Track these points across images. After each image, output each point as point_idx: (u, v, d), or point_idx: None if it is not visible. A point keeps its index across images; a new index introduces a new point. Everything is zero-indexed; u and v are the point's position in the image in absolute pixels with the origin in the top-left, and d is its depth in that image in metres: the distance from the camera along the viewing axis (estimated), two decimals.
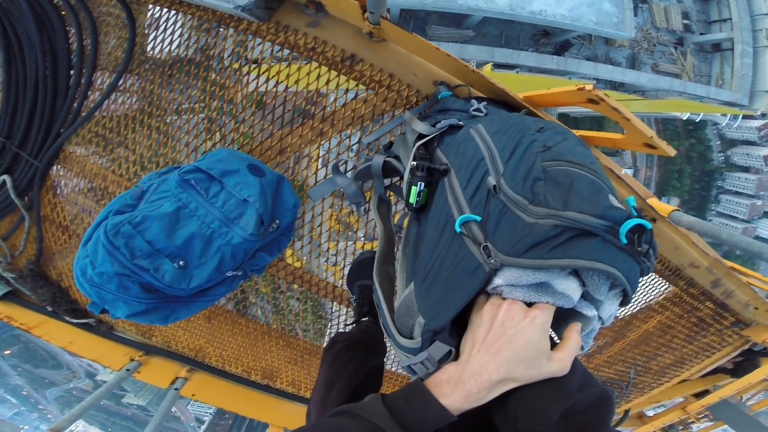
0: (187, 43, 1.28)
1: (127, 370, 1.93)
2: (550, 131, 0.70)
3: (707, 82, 13.31)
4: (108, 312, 1.01)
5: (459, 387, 0.57)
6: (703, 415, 2.98)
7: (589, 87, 0.84)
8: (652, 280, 1.93)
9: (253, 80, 1.26)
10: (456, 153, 0.77)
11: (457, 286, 0.60)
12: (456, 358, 0.61)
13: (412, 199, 0.80)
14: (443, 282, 0.63)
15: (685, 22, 15.43)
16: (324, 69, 1.16)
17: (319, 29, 1.08)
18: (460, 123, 0.85)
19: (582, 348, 0.62)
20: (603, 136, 1.13)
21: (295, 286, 1.68)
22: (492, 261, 0.56)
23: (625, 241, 0.53)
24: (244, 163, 1.14)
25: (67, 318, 1.91)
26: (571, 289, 0.55)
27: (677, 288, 1.76)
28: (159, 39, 1.29)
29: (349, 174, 1.22)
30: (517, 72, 11.66)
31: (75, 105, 1.37)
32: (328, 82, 1.16)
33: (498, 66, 11.47)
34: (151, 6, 1.24)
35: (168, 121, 1.40)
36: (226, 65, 1.28)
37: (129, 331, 2.06)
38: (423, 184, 0.79)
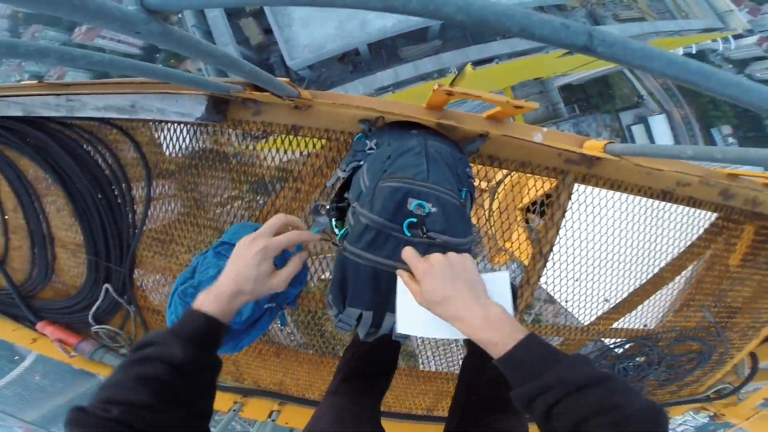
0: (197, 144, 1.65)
1: (234, 411, 2.43)
2: (395, 155, 1.05)
3: (671, 17, 13.03)
4: None
5: (210, 297, 0.83)
6: None
7: (436, 86, 1.14)
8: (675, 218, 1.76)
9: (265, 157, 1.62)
10: (351, 190, 1.13)
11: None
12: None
13: (335, 231, 1.14)
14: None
15: None
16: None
17: (263, 115, 1.43)
18: (361, 163, 1.16)
19: None
20: (497, 112, 1.33)
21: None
22: (342, 248, 0.94)
23: (408, 234, 0.89)
24: (251, 228, 1.50)
25: None
26: None
27: (674, 201, 1.67)
28: (171, 147, 1.65)
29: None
30: (497, 62, 11.77)
31: (130, 218, 1.80)
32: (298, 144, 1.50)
33: (478, 63, 11.62)
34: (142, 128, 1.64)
35: (211, 215, 1.79)
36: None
37: (226, 380, 2.48)
38: (334, 219, 1.15)
